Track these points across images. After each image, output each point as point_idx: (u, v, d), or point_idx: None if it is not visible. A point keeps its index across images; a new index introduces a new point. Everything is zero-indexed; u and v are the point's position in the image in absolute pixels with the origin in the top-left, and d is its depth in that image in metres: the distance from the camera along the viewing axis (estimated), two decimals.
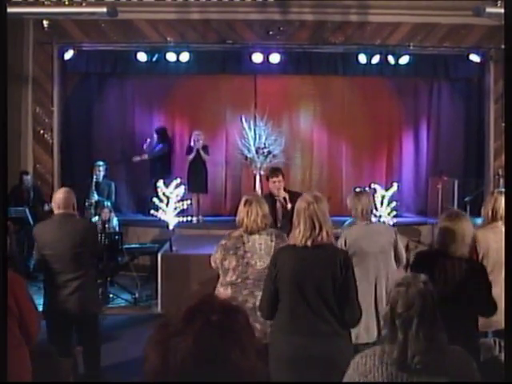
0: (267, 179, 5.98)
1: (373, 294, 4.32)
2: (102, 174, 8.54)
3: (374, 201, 4.66)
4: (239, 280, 3.81)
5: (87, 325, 4.30)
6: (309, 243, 3.12)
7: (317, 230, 3.12)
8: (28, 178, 8.61)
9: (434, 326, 2.16)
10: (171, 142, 10.04)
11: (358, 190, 4.90)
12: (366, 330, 4.24)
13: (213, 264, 4.01)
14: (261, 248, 3.83)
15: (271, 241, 3.85)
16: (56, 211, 4.25)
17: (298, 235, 3.15)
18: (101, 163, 8.61)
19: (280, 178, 5.76)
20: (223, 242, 3.95)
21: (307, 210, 3.15)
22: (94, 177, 8.39)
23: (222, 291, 3.86)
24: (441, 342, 2.17)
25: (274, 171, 5.92)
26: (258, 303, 3.60)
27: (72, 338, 4.33)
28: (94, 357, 4.39)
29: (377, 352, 2.22)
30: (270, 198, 5.60)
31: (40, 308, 4.06)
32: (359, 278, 4.21)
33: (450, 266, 3.30)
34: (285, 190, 5.78)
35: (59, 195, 4.26)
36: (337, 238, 4.24)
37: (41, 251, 4.21)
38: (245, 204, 3.88)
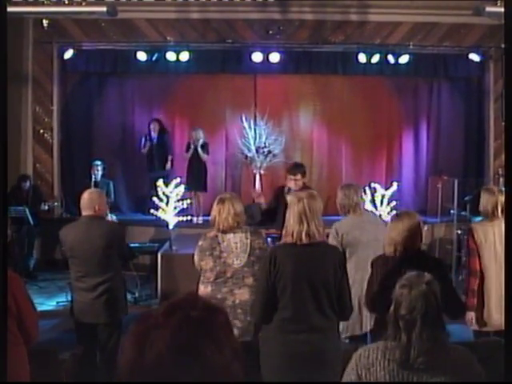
0: (288, 173, 5.51)
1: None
2: (100, 173, 8.53)
3: (363, 194, 4.64)
4: (218, 279, 3.81)
5: (112, 327, 4.26)
6: (303, 240, 3.12)
7: (304, 226, 3.12)
8: (26, 184, 8.31)
9: (436, 326, 2.16)
10: (165, 134, 9.78)
11: (344, 184, 4.88)
12: (359, 322, 4.28)
13: (195, 264, 3.98)
14: (237, 247, 3.81)
15: (246, 238, 3.82)
16: (83, 213, 4.23)
17: (288, 230, 3.18)
18: (99, 162, 8.59)
19: (298, 176, 5.33)
20: (200, 242, 3.91)
21: (296, 206, 3.17)
22: (93, 176, 8.38)
23: (203, 289, 3.86)
24: (443, 341, 2.17)
25: (292, 170, 5.46)
26: (237, 301, 3.70)
27: (97, 340, 4.31)
28: (112, 356, 4.29)
29: (380, 347, 2.22)
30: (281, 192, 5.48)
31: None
32: (355, 267, 4.22)
33: (406, 264, 3.27)
34: (304, 185, 5.37)
35: (83, 196, 4.21)
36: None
37: (67, 254, 4.19)
38: (218, 202, 3.85)
